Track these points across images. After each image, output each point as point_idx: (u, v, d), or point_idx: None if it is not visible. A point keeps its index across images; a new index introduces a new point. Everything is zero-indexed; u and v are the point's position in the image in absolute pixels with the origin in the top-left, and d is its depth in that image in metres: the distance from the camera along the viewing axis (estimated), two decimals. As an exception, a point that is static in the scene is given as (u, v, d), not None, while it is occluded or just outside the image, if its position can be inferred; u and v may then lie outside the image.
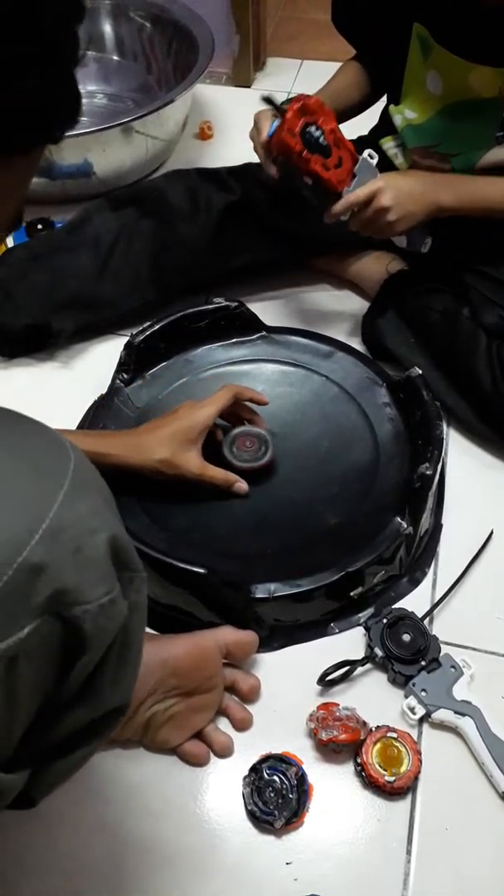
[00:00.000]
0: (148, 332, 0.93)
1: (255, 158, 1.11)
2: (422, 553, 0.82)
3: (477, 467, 0.91)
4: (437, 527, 0.85)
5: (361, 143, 1.09)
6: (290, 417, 0.90)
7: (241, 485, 0.80)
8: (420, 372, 0.88)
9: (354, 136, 1.11)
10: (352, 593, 0.76)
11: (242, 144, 1.39)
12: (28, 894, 0.62)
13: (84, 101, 1.34)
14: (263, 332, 0.99)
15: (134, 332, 0.94)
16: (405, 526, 0.77)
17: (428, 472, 0.79)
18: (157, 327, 0.94)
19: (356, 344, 1.00)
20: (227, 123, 1.47)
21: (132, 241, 1.03)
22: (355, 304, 1.09)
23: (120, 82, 1.51)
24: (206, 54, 1.29)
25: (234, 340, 0.98)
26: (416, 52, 0.89)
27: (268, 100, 0.83)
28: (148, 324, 0.94)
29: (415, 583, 0.80)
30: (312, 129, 0.83)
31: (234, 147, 1.41)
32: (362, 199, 0.85)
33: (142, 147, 1.25)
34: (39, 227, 1.20)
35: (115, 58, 1.51)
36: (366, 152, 0.86)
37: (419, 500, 0.79)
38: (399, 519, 0.77)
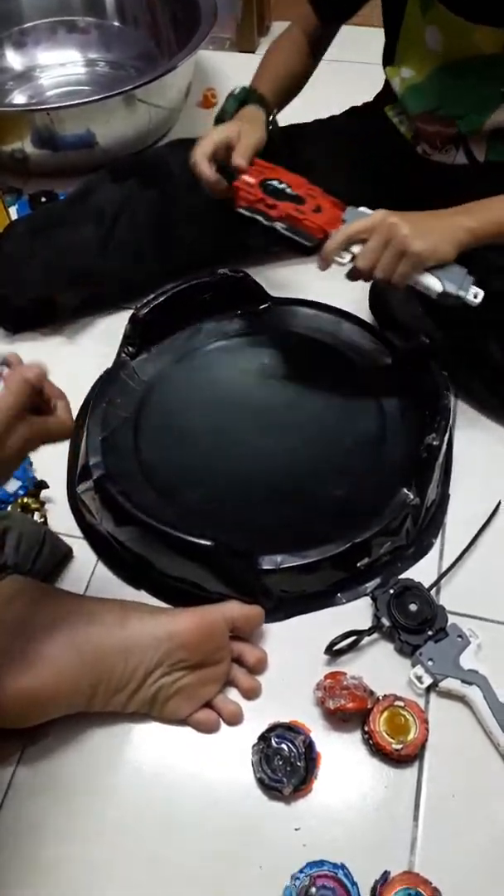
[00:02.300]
0: (152, 305, 0.93)
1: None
2: (429, 524, 0.82)
3: (485, 438, 0.90)
4: (444, 497, 0.85)
5: (366, 109, 1.07)
6: (296, 389, 0.90)
7: None
8: (428, 342, 0.87)
9: (359, 103, 1.09)
10: (358, 564, 0.76)
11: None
12: (45, 860, 0.63)
13: (85, 69, 1.34)
14: (269, 304, 0.98)
15: (138, 306, 0.93)
16: (412, 497, 0.77)
17: (435, 443, 0.79)
18: (161, 300, 0.93)
19: (364, 314, 0.99)
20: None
21: (135, 212, 1.01)
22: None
23: (121, 49, 1.48)
24: (208, 19, 1.26)
25: (240, 312, 0.98)
26: (415, 6, 0.87)
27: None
28: (152, 296, 0.93)
29: (422, 553, 0.80)
30: (275, 182, 0.82)
31: (239, 114, 1.39)
32: (362, 229, 0.75)
33: (144, 116, 1.23)
34: (43, 199, 1.19)
35: (116, 24, 1.48)
36: (360, 208, 0.81)
37: (426, 470, 0.79)
38: (406, 490, 0.77)
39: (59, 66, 1.47)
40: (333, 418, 0.87)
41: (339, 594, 0.77)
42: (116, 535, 0.79)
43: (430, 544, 0.81)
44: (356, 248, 0.77)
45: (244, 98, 0.91)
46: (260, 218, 0.82)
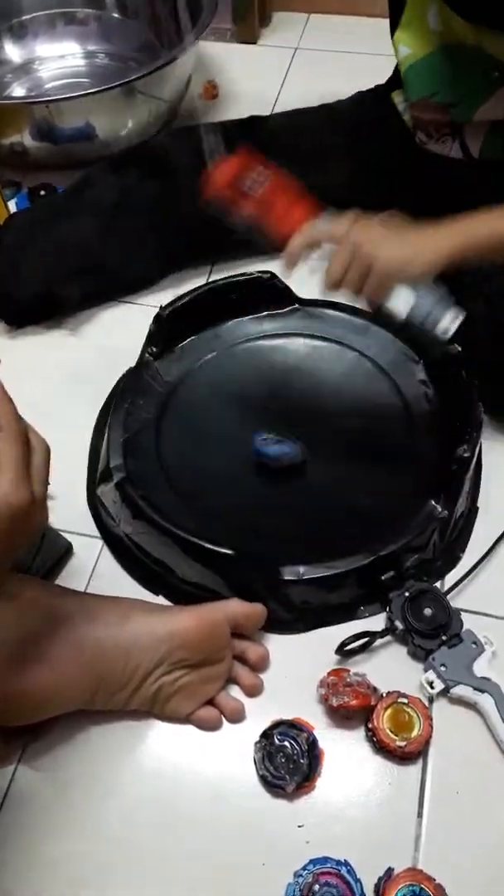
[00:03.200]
0: (177, 305, 0.91)
1: (264, 111, 1.08)
2: (456, 538, 0.80)
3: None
4: (472, 510, 0.82)
5: (374, 94, 1.06)
6: (322, 395, 0.88)
7: None
8: (459, 349, 0.84)
9: (372, 84, 1.07)
10: (383, 577, 0.74)
11: (248, 103, 1.37)
12: (46, 857, 0.63)
13: (84, 61, 1.32)
14: (296, 305, 0.96)
15: (163, 305, 0.92)
16: (440, 509, 0.74)
17: (465, 455, 0.76)
18: (186, 299, 0.91)
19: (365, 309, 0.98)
20: (233, 82, 1.43)
21: (135, 204, 1.00)
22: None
23: (122, 41, 1.46)
24: (209, 10, 1.25)
25: (266, 313, 0.95)
26: None
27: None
28: (178, 296, 0.92)
29: (448, 568, 0.78)
30: (253, 176, 0.74)
31: (240, 106, 1.38)
32: (326, 234, 0.70)
33: (144, 108, 1.22)
34: (43, 193, 1.18)
35: (116, 15, 1.47)
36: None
37: (455, 483, 0.77)
38: (434, 502, 0.75)
39: (59, 58, 1.46)
40: (360, 426, 0.85)
41: (361, 607, 0.75)
42: (135, 539, 0.78)
43: (457, 558, 0.79)
44: (326, 247, 0.70)
45: None
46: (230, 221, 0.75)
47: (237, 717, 0.69)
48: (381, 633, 0.72)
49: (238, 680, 0.70)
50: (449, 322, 0.69)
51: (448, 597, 0.74)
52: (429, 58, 0.88)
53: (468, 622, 0.72)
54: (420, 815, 0.64)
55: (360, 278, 0.69)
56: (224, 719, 0.69)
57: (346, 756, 0.67)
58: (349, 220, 0.70)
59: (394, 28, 0.94)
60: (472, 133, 0.90)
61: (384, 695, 0.68)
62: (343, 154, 1.01)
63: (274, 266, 1.03)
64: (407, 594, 0.73)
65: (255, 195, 0.73)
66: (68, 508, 0.84)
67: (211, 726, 0.68)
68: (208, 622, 0.67)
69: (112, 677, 0.64)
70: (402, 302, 0.69)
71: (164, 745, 0.68)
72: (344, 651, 0.71)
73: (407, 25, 0.89)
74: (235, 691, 0.70)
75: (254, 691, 0.70)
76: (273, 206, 0.73)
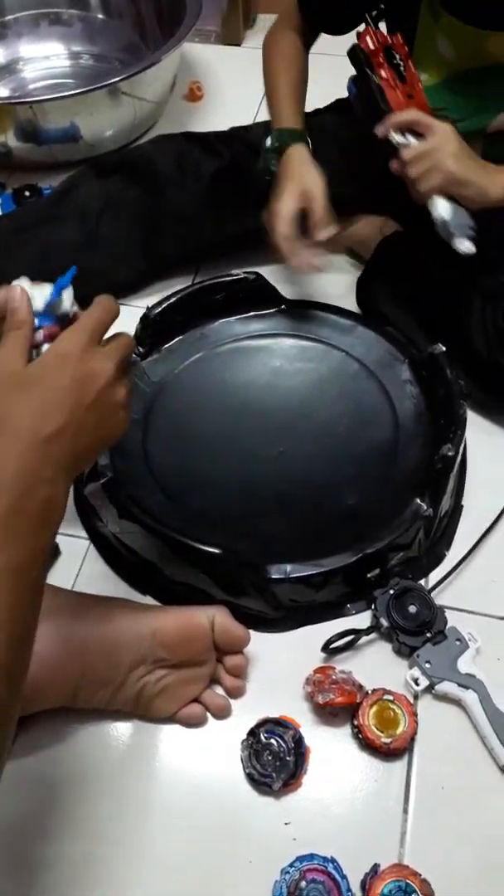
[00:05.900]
0: (164, 305, 0.91)
1: (245, 121, 1.09)
2: (441, 535, 0.80)
3: (498, 446, 0.89)
4: (456, 508, 0.83)
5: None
6: (309, 394, 0.88)
7: None
8: (444, 349, 0.85)
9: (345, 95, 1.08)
10: (369, 575, 0.75)
11: (233, 105, 1.38)
12: (35, 859, 0.63)
13: (69, 62, 1.32)
14: (282, 306, 0.96)
15: (150, 305, 0.92)
16: (425, 508, 0.75)
17: (450, 454, 0.77)
18: (173, 300, 0.92)
19: (350, 308, 0.98)
20: (217, 84, 1.44)
21: (120, 210, 1.00)
22: (350, 269, 1.08)
23: (106, 42, 1.47)
24: (193, 12, 1.26)
25: (252, 314, 0.96)
26: (427, 15, 0.86)
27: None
28: (164, 297, 0.92)
29: (433, 565, 0.79)
30: (395, 54, 0.81)
31: (225, 108, 1.38)
32: (427, 123, 0.78)
33: (129, 109, 1.23)
34: (27, 193, 1.18)
35: (101, 16, 1.47)
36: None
37: (440, 481, 0.78)
38: (419, 500, 0.75)
39: (43, 58, 1.46)
40: (346, 425, 0.85)
41: (348, 605, 0.76)
42: (123, 539, 0.78)
43: (441, 556, 0.79)
44: (413, 140, 0.79)
45: (279, 142, 0.90)
46: (366, 70, 0.82)
47: (223, 713, 0.69)
48: (367, 631, 0.72)
49: (221, 682, 0.70)
50: (466, 245, 0.79)
51: (432, 594, 0.75)
52: (442, 83, 0.89)
53: (452, 619, 0.73)
54: (406, 811, 0.65)
55: (426, 172, 0.78)
56: (210, 716, 0.69)
57: (332, 753, 0.68)
58: (446, 126, 0.78)
59: None
60: (474, 140, 0.90)
61: (369, 692, 0.68)
62: (326, 162, 1.02)
63: (258, 267, 1.04)
64: (392, 592, 0.73)
65: (392, 69, 0.82)
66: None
67: (196, 722, 0.68)
68: (192, 625, 0.67)
69: (95, 673, 0.64)
70: (442, 208, 0.79)
71: (150, 744, 0.68)
72: (330, 649, 0.71)
73: (419, 57, 0.89)
74: (220, 691, 0.71)
75: (236, 693, 0.70)
76: (402, 86, 0.81)
